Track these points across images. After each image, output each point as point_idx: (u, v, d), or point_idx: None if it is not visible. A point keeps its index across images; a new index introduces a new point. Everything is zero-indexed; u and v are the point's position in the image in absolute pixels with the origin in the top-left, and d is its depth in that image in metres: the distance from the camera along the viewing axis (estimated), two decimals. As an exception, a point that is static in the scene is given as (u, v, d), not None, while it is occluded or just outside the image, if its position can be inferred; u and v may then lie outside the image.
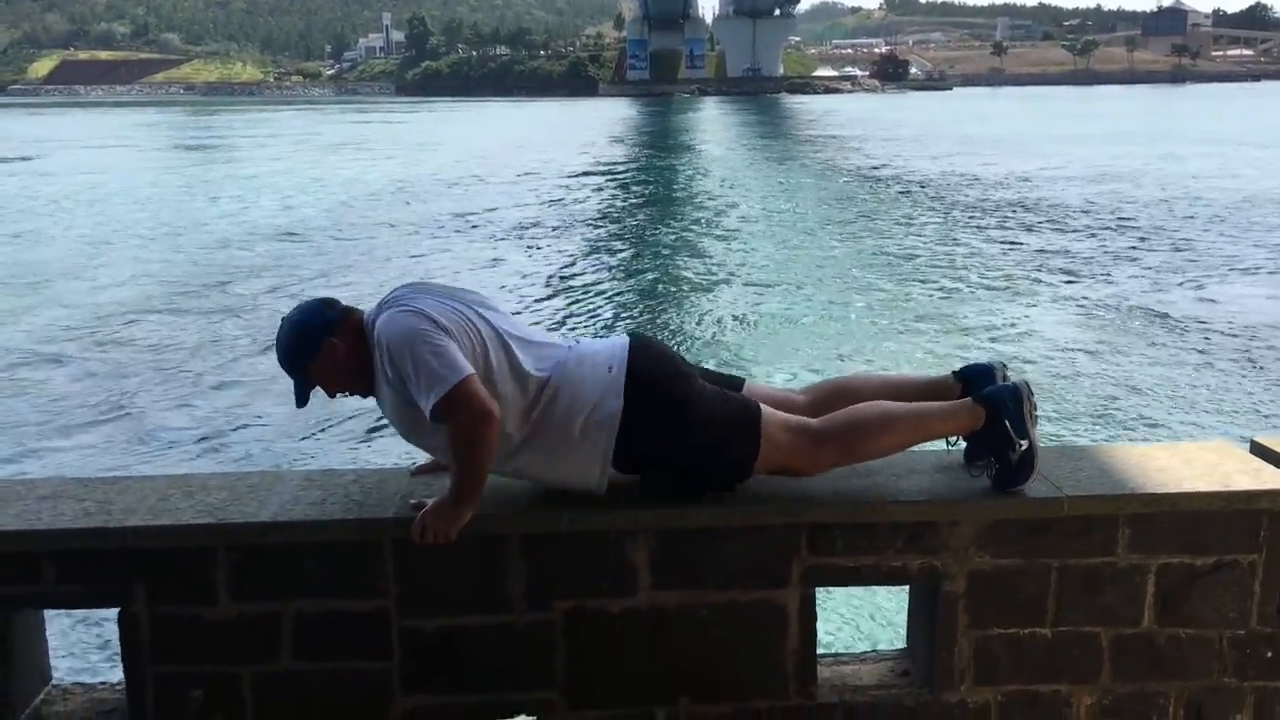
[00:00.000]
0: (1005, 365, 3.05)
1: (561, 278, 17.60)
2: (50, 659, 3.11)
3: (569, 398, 2.75)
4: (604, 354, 2.82)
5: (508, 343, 2.75)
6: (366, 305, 2.87)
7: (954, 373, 3.08)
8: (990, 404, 2.89)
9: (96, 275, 18.06)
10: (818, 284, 16.41)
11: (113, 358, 12.58)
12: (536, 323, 13.97)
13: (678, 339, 13.15)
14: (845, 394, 3.00)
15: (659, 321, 14.39)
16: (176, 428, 9.98)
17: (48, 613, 3.08)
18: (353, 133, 64.63)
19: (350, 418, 9.58)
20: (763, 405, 2.86)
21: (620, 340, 2.88)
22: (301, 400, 2.81)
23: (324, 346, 2.74)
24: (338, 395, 2.86)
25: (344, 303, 2.86)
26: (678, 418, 2.78)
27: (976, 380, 2.99)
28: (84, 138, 59.79)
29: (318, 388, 2.81)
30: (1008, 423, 2.86)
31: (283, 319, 2.82)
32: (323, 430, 9.55)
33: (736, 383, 3.01)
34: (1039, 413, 2.92)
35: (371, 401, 2.84)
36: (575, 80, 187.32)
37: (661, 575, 2.86)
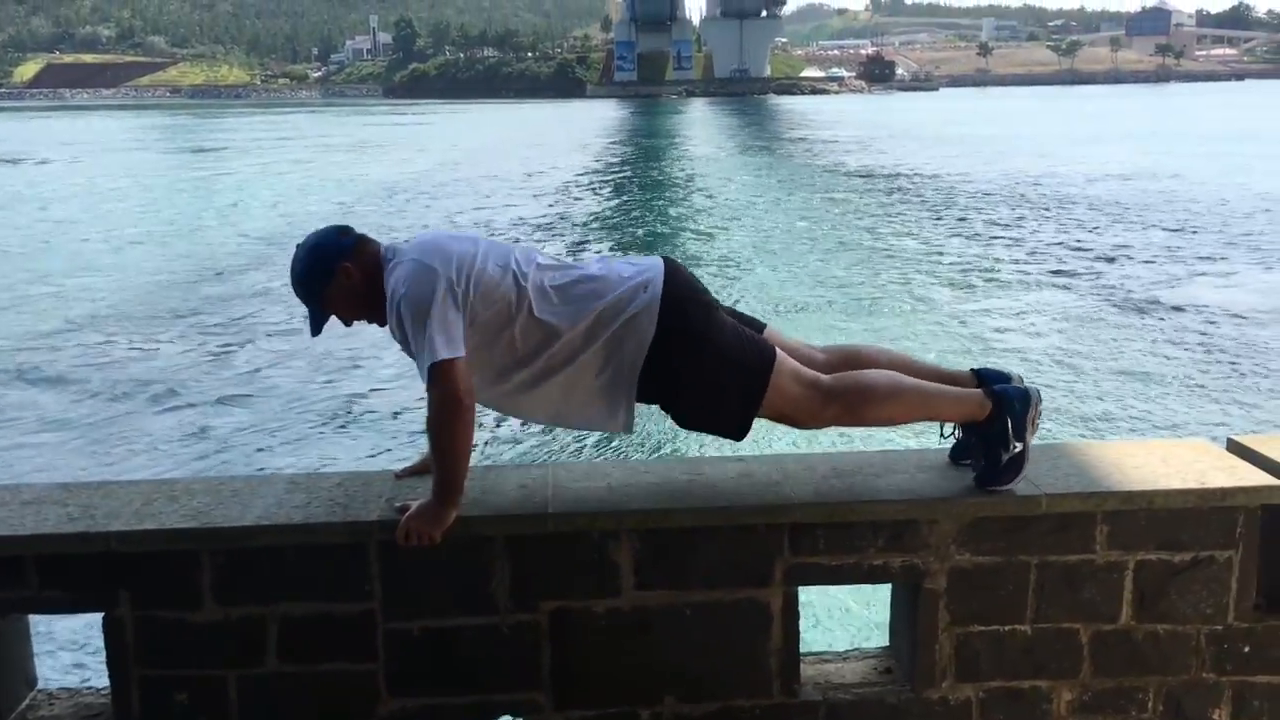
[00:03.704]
0: (1022, 378, 3.04)
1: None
2: (35, 664, 3.11)
3: (603, 316, 2.75)
4: (639, 272, 2.82)
5: (531, 268, 2.76)
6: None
7: (973, 370, 3.08)
8: (999, 400, 2.91)
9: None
10: (812, 281, 16.48)
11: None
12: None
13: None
14: (863, 361, 3.00)
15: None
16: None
17: (32, 618, 3.08)
18: (366, 135, 64.86)
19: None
20: (779, 351, 2.86)
21: (654, 261, 2.88)
22: (316, 329, 2.82)
23: (339, 272, 2.75)
24: (353, 323, 2.87)
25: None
26: (696, 347, 2.77)
27: (992, 381, 2.99)
28: (94, 142, 59.69)
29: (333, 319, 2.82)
30: (1009, 421, 2.88)
31: (297, 245, 2.82)
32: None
33: (758, 325, 2.99)
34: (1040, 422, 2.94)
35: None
36: (563, 82, 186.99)
37: (645, 575, 2.87)
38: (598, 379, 2.78)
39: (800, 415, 2.87)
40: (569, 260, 2.92)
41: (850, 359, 3.01)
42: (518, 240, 15.83)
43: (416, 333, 2.62)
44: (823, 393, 2.84)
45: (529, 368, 2.75)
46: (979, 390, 2.95)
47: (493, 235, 22.12)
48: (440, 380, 2.60)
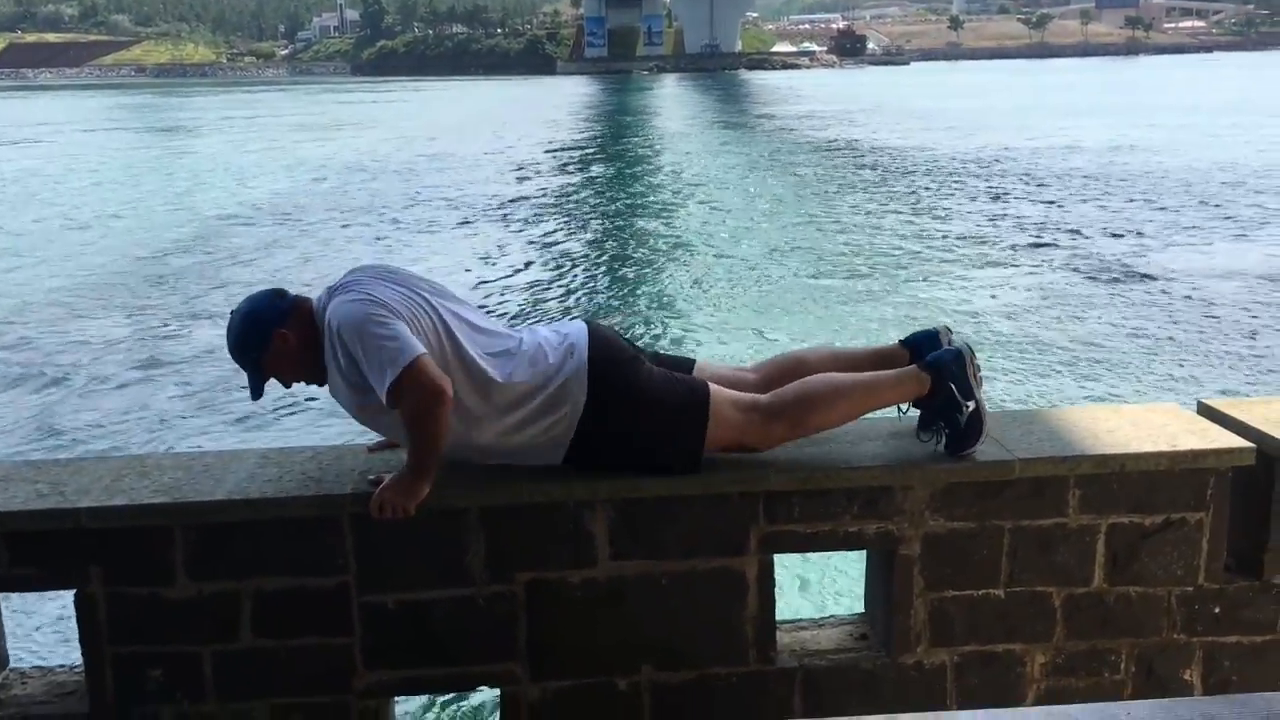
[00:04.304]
0: (950, 329, 3.08)
1: (531, 252, 17.68)
2: (7, 642, 3.08)
3: (530, 382, 2.75)
4: (563, 339, 2.83)
5: (460, 329, 2.75)
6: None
7: (900, 341, 3.11)
8: (934, 369, 2.92)
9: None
10: (780, 255, 16.49)
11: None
12: (503, 300, 13.99)
13: (636, 311, 13.20)
14: (795, 368, 3.02)
15: (619, 295, 14.41)
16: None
17: (3, 596, 3.05)
18: (334, 113, 64.19)
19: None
20: (711, 385, 2.88)
21: (577, 326, 2.89)
22: (256, 393, 2.80)
23: (275, 338, 2.74)
24: (293, 385, 2.86)
25: (293, 292, 2.85)
26: (628, 402, 2.79)
27: (922, 347, 3.03)
28: (57, 122, 58.71)
29: (272, 380, 2.81)
30: (953, 386, 2.90)
31: (232, 312, 2.80)
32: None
33: (686, 364, 3.03)
34: (984, 373, 2.96)
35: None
36: (533, 58, 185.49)
37: (621, 545, 2.88)
38: (531, 440, 2.79)
39: (749, 439, 2.89)
40: (496, 324, 2.90)
41: (783, 371, 3.03)
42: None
43: (369, 351, 2.58)
44: (763, 412, 2.87)
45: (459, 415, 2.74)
46: (913, 367, 2.97)
47: (468, 215, 22.08)
48: (415, 381, 2.57)
